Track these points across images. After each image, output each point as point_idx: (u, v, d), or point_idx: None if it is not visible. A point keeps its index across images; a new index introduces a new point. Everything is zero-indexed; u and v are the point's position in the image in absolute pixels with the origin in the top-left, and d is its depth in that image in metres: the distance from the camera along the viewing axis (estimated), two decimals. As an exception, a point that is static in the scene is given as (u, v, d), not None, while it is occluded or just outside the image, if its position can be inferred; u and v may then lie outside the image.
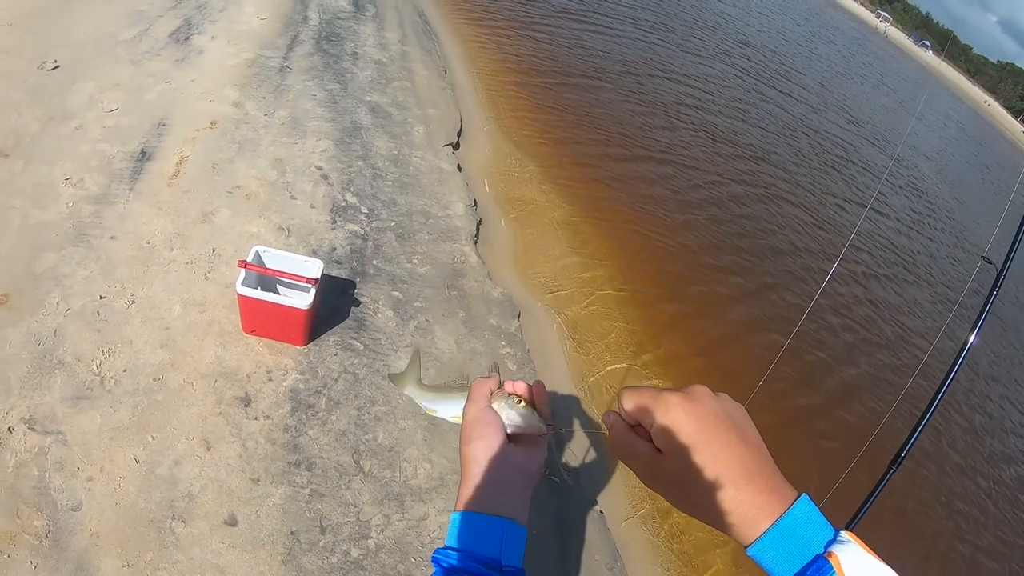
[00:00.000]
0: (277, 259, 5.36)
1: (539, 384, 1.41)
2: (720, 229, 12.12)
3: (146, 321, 5.28)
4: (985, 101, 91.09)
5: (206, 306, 5.57)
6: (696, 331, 9.26)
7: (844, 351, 10.29)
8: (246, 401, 5.04)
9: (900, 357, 10.71)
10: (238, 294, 5.04)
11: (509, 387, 1.39)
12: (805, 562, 0.91)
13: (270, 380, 5.27)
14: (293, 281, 5.18)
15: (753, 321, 9.97)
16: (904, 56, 78.82)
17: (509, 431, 1.32)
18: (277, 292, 5.45)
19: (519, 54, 15.24)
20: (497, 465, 1.26)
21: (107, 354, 4.94)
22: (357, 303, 6.26)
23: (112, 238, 5.85)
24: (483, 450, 1.27)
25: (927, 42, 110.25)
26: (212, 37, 9.50)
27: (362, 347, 5.84)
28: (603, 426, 1.21)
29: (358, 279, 6.51)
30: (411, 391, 1.74)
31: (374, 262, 6.84)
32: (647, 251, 10.48)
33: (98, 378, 4.77)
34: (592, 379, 7.64)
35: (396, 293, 6.61)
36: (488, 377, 1.42)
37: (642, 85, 17.69)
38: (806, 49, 39.84)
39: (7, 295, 5.11)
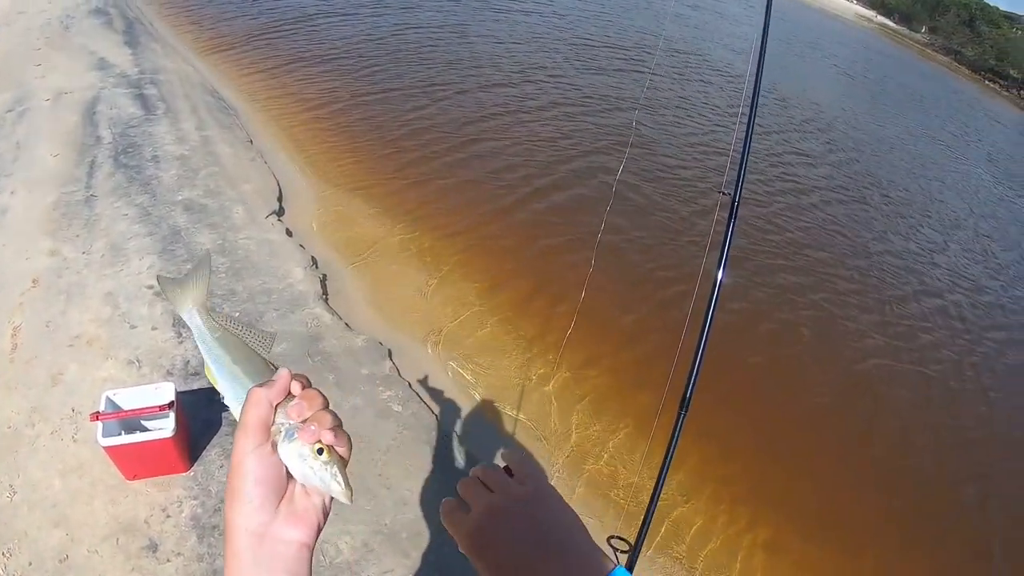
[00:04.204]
0: (129, 397, 5.56)
1: (334, 416, 1.11)
2: (535, 186, 12.96)
3: (33, 507, 5.41)
4: None
5: (83, 469, 5.72)
6: (571, 307, 9.64)
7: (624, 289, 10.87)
8: (153, 547, 5.25)
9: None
10: (103, 447, 5.24)
11: (297, 411, 1.08)
12: None
13: (168, 517, 5.48)
14: (151, 414, 5.41)
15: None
16: None
17: (299, 481, 1.09)
18: (145, 428, 5.65)
19: (312, 89, 15.57)
20: (268, 542, 1.04)
21: (8, 554, 5.06)
22: (227, 407, 6.43)
23: (-27, 435, 5.95)
24: (248, 516, 1.04)
25: None
26: (11, 192, 9.45)
27: (243, 448, 6.06)
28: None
29: (219, 383, 6.69)
30: (191, 316, 1.33)
31: (230, 359, 7.02)
32: (492, 238, 11.05)
33: (6, 581, 4.91)
34: (485, 385, 8.10)
35: (260, 382, 6.82)
36: (268, 384, 1.10)
37: (426, 67, 18.60)
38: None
39: None
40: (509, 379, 8.34)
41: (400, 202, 11.49)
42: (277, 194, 10.59)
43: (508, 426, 7.74)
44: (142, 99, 13.08)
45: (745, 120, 4.54)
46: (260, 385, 1.09)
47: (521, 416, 7.88)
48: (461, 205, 11.90)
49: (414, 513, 6.09)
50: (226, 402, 1.21)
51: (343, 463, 1.09)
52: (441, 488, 6.39)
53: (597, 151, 15.01)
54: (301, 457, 1.05)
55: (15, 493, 5.51)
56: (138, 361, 6.85)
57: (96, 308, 7.49)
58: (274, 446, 1.07)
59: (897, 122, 27.88)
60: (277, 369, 1.15)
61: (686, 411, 4.03)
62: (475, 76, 18.42)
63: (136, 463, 5.56)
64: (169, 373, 6.74)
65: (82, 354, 6.85)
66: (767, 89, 23.50)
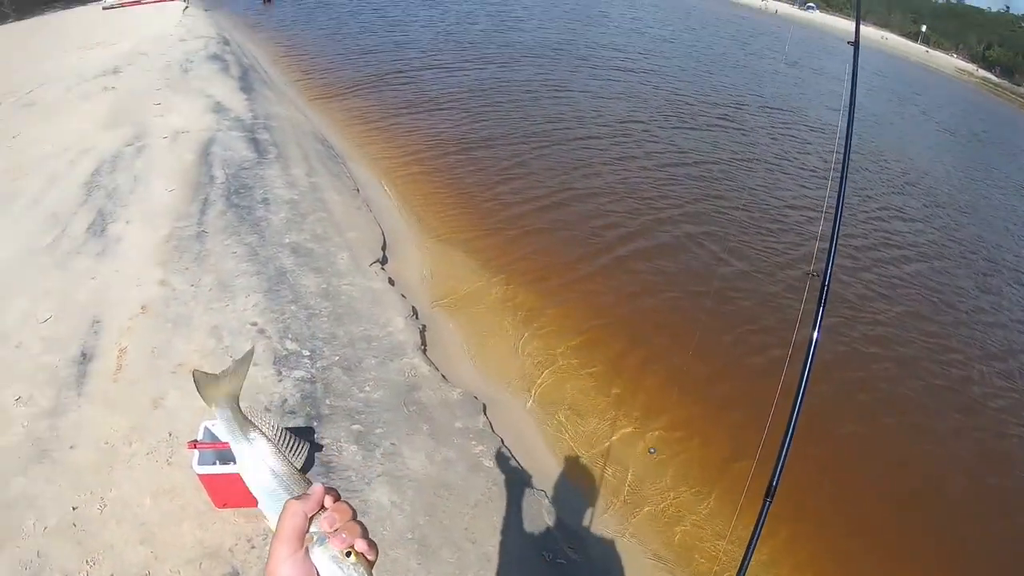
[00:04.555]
0: (227, 430, 5.57)
1: (363, 527, 1.23)
2: (644, 253, 12.71)
3: (121, 521, 5.43)
4: (882, 36, 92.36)
5: (175, 492, 5.73)
6: (662, 367, 9.50)
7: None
8: None
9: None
10: (197, 474, 5.24)
11: (329, 522, 1.20)
12: None
13: (253, 548, 5.44)
14: (247, 447, 5.40)
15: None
16: (798, 25, 79.97)
17: None
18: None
19: (415, 138, 16.16)
20: None
21: (92, 563, 5.07)
22: (320, 447, 6.44)
23: (72, 448, 6.03)
24: None
25: (811, 4, 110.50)
26: (127, 222, 9.76)
27: (334, 489, 6.00)
28: None
29: (315, 423, 6.70)
30: (222, 414, 1.43)
31: (327, 402, 7.04)
32: (589, 298, 10.87)
33: (88, 589, 4.89)
34: (575, 443, 7.88)
35: (356, 426, 6.81)
36: (304, 498, 1.23)
37: (535, 122, 19.01)
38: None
39: (-16, 528, 5.25)
40: (599, 438, 8.12)
41: (498, 253, 11.58)
42: (381, 243, 10.70)
43: (596, 487, 7.51)
44: (255, 143, 13.46)
45: (833, 206, 4.40)
46: (296, 498, 1.23)
47: (608, 475, 7.66)
48: (556, 257, 11.90)
49: (497, 570, 5.95)
50: (260, 508, 1.32)
51: (370, 566, 1.20)
52: (527, 548, 6.23)
53: (693, 208, 14.94)
54: (333, 559, 1.17)
55: (105, 506, 5.54)
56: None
57: (201, 339, 7.60)
58: (307, 552, 1.19)
59: (997, 179, 26.71)
60: (310, 483, 1.30)
61: (771, 500, 3.92)
62: (573, 130, 18.76)
63: (227, 493, 5.54)
64: (267, 409, 6.73)
65: (184, 382, 6.89)
66: (862, 147, 23.25)
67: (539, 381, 8.75)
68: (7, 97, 15.70)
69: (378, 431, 6.84)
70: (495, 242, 11.98)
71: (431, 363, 8.15)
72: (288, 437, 1.41)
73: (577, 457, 7.77)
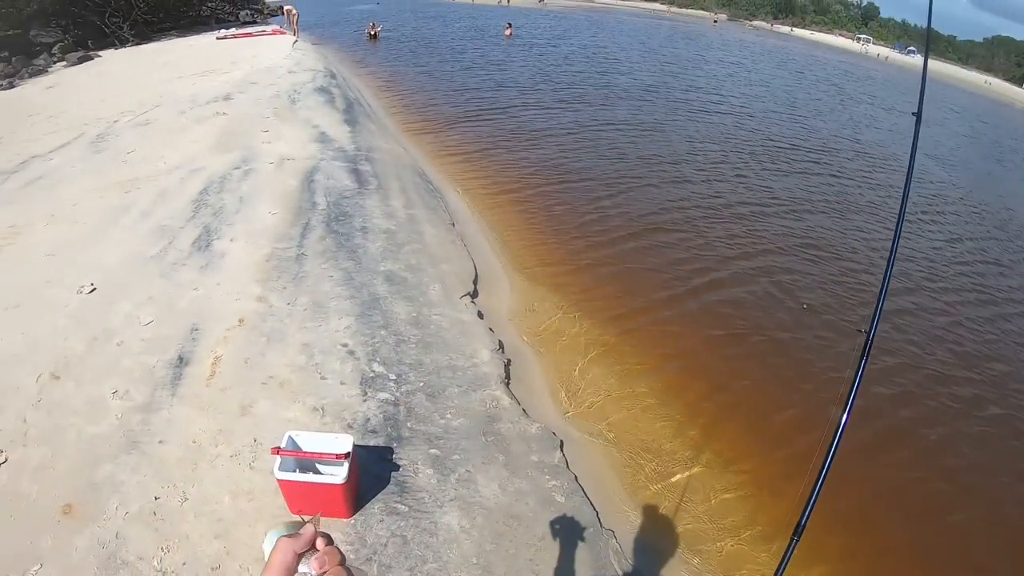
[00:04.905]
0: (310, 440, 5.72)
1: (349, 572, 1.38)
2: (729, 314, 12.30)
3: (200, 515, 5.61)
4: (986, 81, 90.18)
5: (254, 494, 5.89)
6: (741, 411, 9.32)
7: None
8: (303, 580, 5.31)
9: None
10: (277, 479, 5.40)
11: (318, 564, 1.32)
12: None
13: (317, 555, 5.54)
14: (328, 459, 5.56)
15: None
16: (898, 69, 78.39)
17: None
18: (317, 471, 5.78)
19: (510, 173, 16.51)
20: None
21: (167, 550, 5.26)
22: (397, 467, 6.52)
23: (161, 442, 6.28)
24: None
25: (912, 48, 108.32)
26: (231, 239, 10.16)
27: (407, 509, 6.08)
28: None
29: (395, 444, 6.79)
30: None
31: (408, 425, 7.13)
32: (668, 336, 10.79)
33: (160, 574, 5.08)
34: (651, 490, 7.78)
35: (434, 451, 6.87)
36: (295, 536, 1.35)
37: (628, 165, 19.14)
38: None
39: (71, 505, 5.54)
40: (673, 480, 7.98)
41: (583, 289, 11.59)
42: (473, 276, 10.83)
43: (667, 531, 7.30)
44: (356, 173, 13.86)
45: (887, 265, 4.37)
46: (288, 536, 1.34)
47: (679, 519, 7.48)
48: (639, 295, 11.81)
49: (557, 607, 5.93)
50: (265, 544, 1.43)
51: None
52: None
53: (771, 252, 14.57)
54: None
55: (186, 500, 5.76)
56: (322, 410, 7.03)
57: (292, 355, 7.81)
58: None
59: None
60: (303, 523, 1.41)
61: (799, 538, 3.88)
62: (664, 171, 18.87)
63: (304, 500, 5.65)
64: (349, 426, 6.86)
65: (273, 393, 7.12)
66: (955, 192, 22.89)
67: (622, 425, 8.63)
68: (124, 115, 16.52)
69: (455, 457, 6.89)
70: (581, 278, 12.01)
71: (513, 396, 8.17)
72: None
73: (649, 499, 7.65)
